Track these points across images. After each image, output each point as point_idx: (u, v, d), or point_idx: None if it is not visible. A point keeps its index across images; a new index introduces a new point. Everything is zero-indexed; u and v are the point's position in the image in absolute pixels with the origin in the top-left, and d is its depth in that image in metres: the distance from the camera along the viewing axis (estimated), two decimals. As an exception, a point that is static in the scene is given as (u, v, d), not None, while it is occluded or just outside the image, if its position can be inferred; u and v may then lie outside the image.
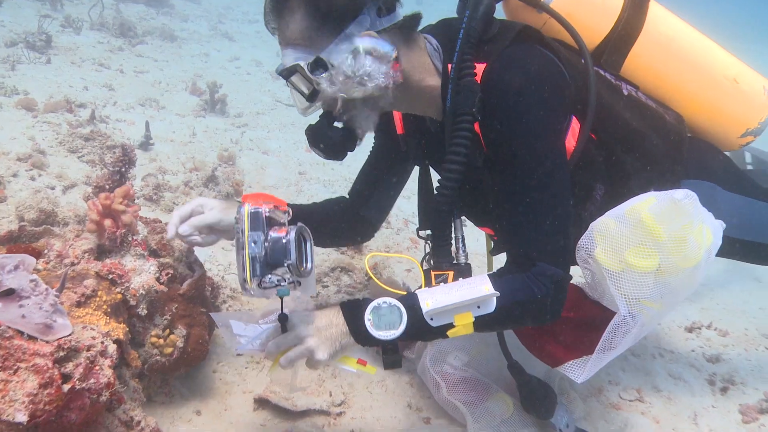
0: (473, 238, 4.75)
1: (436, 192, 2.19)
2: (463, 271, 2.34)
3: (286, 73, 2.11)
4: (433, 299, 2.10)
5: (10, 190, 3.87)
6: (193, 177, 4.74)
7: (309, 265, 2.08)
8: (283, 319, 2.10)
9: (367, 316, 2.09)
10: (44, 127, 4.96)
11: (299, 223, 2.08)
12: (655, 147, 2.41)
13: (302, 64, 2.06)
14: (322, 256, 3.96)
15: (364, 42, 2.04)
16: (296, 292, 2.03)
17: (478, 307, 2.07)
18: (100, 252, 2.41)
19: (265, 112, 6.93)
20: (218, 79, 7.00)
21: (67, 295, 2.07)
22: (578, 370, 2.28)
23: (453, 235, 2.38)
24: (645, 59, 2.52)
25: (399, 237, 4.74)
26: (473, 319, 2.07)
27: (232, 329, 2.15)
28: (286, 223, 2.08)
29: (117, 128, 5.47)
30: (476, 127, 2.14)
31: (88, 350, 1.82)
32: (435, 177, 2.51)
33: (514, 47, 2.13)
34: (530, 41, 2.19)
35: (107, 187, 2.77)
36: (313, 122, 2.23)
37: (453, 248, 2.38)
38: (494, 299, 2.05)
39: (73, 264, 2.24)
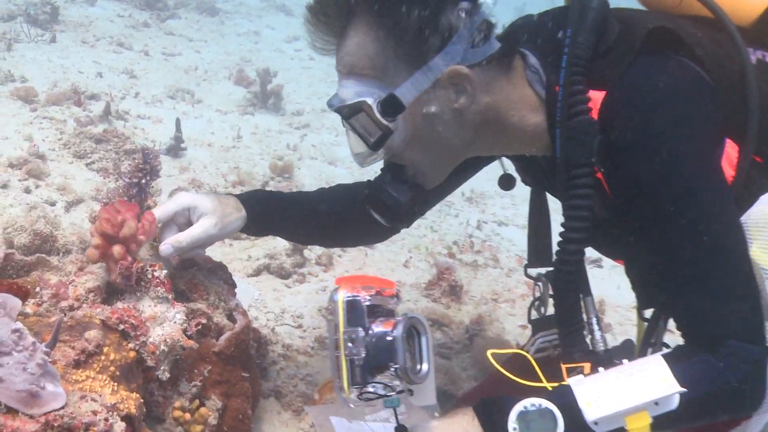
0: (612, 285, 4.69)
1: (555, 266, 2.30)
2: (603, 361, 2.33)
3: (348, 112, 2.19)
4: (595, 398, 2.06)
5: (-2, 205, 3.91)
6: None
7: (425, 368, 2.18)
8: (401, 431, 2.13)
9: (512, 425, 2.06)
10: (45, 124, 5.04)
11: (410, 314, 2.17)
12: None
13: (370, 101, 2.16)
14: (408, 304, 3.97)
15: (452, 79, 2.15)
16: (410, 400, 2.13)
17: (656, 403, 2.04)
18: (110, 292, 2.40)
19: (326, 109, 6.60)
20: (272, 66, 7.14)
21: (62, 351, 2.02)
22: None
23: (584, 315, 2.44)
24: None
25: (510, 280, 4.74)
26: (650, 420, 2.04)
27: (335, 430, 2.22)
28: (395, 311, 2.20)
29: (138, 127, 5.54)
30: (598, 173, 2.22)
31: (87, 430, 1.78)
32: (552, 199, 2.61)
33: (640, 64, 2.16)
34: (662, 50, 2.20)
35: (121, 203, 2.72)
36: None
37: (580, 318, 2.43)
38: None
39: (71, 308, 2.21)
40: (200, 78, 7.15)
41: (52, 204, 4.10)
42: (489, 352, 2.41)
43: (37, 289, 2.26)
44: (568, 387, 2.10)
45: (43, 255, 2.54)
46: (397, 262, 4.63)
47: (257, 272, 4.07)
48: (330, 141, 6.44)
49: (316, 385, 3.14)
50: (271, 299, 3.83)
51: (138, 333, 2.25)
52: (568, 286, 2.33)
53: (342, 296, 2.13)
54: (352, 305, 2.12)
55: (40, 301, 2.24)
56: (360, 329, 2.10)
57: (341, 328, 2.10)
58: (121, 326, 2.21)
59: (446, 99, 2.18)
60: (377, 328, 2.11)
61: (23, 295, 2.15)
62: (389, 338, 2.08)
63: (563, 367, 2.34)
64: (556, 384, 2.18)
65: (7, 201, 3.98)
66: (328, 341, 2.18)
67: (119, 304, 2.32)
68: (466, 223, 5.68)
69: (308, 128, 6.64)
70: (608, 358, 2.35)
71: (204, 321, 2.53)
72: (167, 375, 2.34)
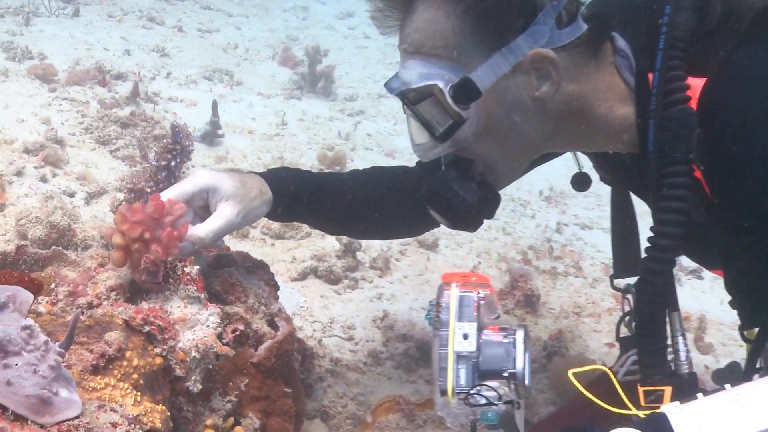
0: (715, 300, 4.62)
1: (640, 276, 2.31)
2: (687, 385, 2.37)
3: (415, 96, 2.21)
4: (695, 428, 2.00)
5: (11, 194, 3.98)
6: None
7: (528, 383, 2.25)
8: None
9: None
10: (65, 106, 5.10)
11: (521, 323, 2.34)
12: None
13: (441, 85, 2.16)
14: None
15: (535, 63, 2.16)
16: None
17: None
18: (134, 291, 2.40)
19: (391, 96, 6.63)
20: (322, 44, 7.12)
21: (77, 354, 2.00)
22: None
23: (669, 332, 2.47)
24: None
25: (595, 291, 4.70)
26: None
27: None
28: (500, 316, 2.33)
29: (170, 111, 5.58)
30: (696, 171, 2.21)
31: (106, 444, 1.76)
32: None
33: (747, 48, 2.13)
34: None
35: (148, 191, 2.77)
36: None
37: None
38: None
39: (90, 306, 2.18)
40: (240, 57, 7.19)
41: (71, 195, 4.15)
42: (570, 372, 2.38)
43: (52, 285, 2.26)
44: (663, 415, 2.06)
45: (60, 248, 2.55)
46: (464, 268, 4.60)
47: (303, 276, 4.07)
48: (387, 130, 6.44)
49: (368, 406, 3.15)
50: (318, 307, 3.82)
51: (166, 336, 2.22)
52: (653, 299, 2.33)
53: (455, 291, 2.23)
54: (466, 301, 2.22)
55: (55, 299, 2.23)
56: (474, 325, 2.19)
57: (452, 323, 2.19)
58: (147, 328, 2.18)
59: (527, 86, 2.19)
60: (489, 334, 2.21)
61: (35, 288, 2.15)
62: (507, 340, 2.19)
63: (640, 389, 2.38)
64: (648, 411, 2.14)
65: (21, 190, 4.03)
66: (433, 338, 2.25)
67: (144, 305, 2.30)
68: (543, 225, 5.65)
69: (363, 115, 6.64)
70: (693, 382, 2.41)
71: (241, 327, 2.51)
72: (199, 387, 2.31)
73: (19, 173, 4.19)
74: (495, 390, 2.17)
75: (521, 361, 2.17)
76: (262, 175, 2.67)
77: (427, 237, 4.62)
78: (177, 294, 2.40)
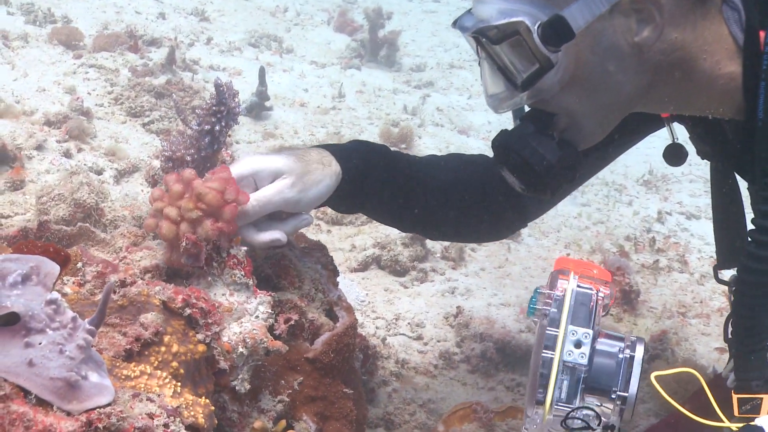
0: None
1: (740, 268, 2.32)
2: None
3: (497, 35, 2.19)
4: None
5: (31, 170, 4.02)
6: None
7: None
8: None
9: None
10: (92, 74, 5.15)
11: (640, 337, 2.24)
12: None
13: (528, 22, 2.14)
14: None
15: (636, 5, 2.15)
16: None
17: None
18: (171, 274, 2.44)
19: (464, 66, 6.96)
20: (384, 7, 7.19)
21: (109, 337, 2.01)
22: None
23: None
24: None
25: (703, 289, 4.67)
26: None
27: None
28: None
29: (211, 80, 5.41)
30: None
31: (141, 439, 1.77)
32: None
33: None
34: None
35: (188, 159, 2.74)
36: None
37: None
38: None
39: (123, 284, 2.19)
40: (290, 22, 7.27)
41: (99, 172, 4.20)
42: (653, 375, 2.42)
43: (79, 265, 2.28)
44: (761, 429, 2.10)
45: (88, 225, 2.60)
46: (550, 260, 4.55)
47: (364, 266, 4.10)
48: (461, 104, 6.43)
49: (439, 414, 3.14)
50: (381, 301, 3.83)
51: (209, 321, 2.22)
52: (755, 293, 2.29)
53: (573, 284, 2.18)
54: (583, 299, 2.18)
55: (83, 279, 2.26)
56: (590, 332, 2.14)
57: (564, 325, 2.13)
58: (188, 311, 2.18)
59: (625, 30, 2.17)
60: (604, 343, 2.18)
61: (62, 261, 2.16)
62: (622, 355, 2.15)
63: (734, 398, 2.37)
64: (741, 424, 2.19)
65: (42, 166, 4.09)
66: (538, 333, 2.20)
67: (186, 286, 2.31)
68: (642, 213, 5.60)
69: (431, 87, 6.66)
70: None
71: (295, 317, 2.52)
72: (246, 386, 2.34)
73: (39, 147, 4.23)
74: (594, 410, 2.15)
75: (635, 384, 2.14)
76: (326, 147, 2.67)
77: (507, 225, 4.59)
78: (221, 280, 2.43)
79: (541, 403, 2.10)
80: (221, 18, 6.83)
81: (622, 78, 2.22)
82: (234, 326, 2.33)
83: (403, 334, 3.64)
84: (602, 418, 2.12)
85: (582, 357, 2.11)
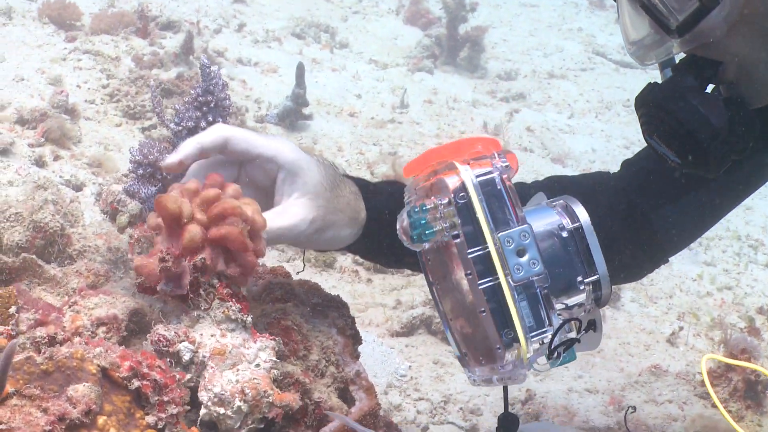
0: None
1: None
2: None
3: None
4: None
5: (-8, 178, 3.99)
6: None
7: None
8: None
9: None
10: (86, 62, 5.09)
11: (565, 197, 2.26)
12: None
13: None
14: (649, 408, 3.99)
15: None
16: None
17: None
18: (135, 329, 2.41)
19: (567, 76, 7.17)
20: (469, -3, 7.39)
21: (24, 413, 1.97)
22: None
23: None
24: None
25: None
26: None
27: None
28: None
29: (237, 78, 5.57)
30: None
31: None
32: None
33: None
34: None
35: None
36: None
37: None
38: None
39: (53, 340, 2.20)
40: (349, 9, 7.29)
41: (78, 188, 4.08)
42: (705, 358, 2.54)
43: (12, 309, 2.27)
44: None
45: (34, 257, 2.58)
46: (657, 334, 4.47)
47: (409, 330, 3.96)
48: (558, 124, 6.36)
49: None
50: (428, 378, 3.67)
51: (165, 399, 2.16)
52: None
53: (470, 175, 2.08)
54: (492, 191, 2.09)
55: (14, 329, 2.24)
56: (526, 227, 2.08)
57: (489, 235, 2.04)
58: (136, 383, 2.14)
59: None
60: (542, 226, 2.15)
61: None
62: (564, 234, 2.14)
63: None
64: None
65: (4, 175, 3.97)
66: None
67: (159, 327, 2.31)
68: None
69: (522, 101, 6.61)
70: None
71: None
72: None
73: (4, 151, 4.12)
74: (578, 318, 2.15)
75: (600, 258, 2.12)
76: (361, 185, 2.63)
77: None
78: (210, 315, 2.40)
79: (517, 341, 2.04)
80: (256, 3, 6.86)
81: None
82: (228, 374, 2.29)
83: (452, 423, 3.42)
84: (579, 321, 2.15)
85: (534, 264, 2.06)
